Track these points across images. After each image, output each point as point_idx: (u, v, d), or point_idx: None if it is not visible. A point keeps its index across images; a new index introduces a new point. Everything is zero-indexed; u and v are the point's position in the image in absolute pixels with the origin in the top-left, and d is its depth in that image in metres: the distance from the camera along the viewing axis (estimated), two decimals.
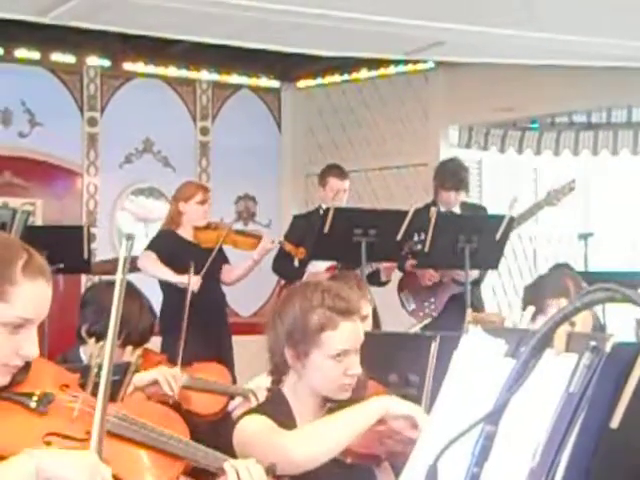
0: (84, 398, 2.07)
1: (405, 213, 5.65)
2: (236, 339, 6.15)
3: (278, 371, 2.64)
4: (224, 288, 6.05)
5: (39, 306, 1.98)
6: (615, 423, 1.23)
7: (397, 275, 6.34)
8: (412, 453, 1.68)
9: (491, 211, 6.51)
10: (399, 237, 5.63)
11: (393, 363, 3.03)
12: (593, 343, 1.28)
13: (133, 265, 5.99)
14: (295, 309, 2.57)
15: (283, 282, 6.69)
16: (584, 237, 6.81)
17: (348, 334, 2.55)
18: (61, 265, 5.42)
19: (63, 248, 5.49)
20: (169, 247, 5.80)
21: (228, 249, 6.02)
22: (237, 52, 7.20)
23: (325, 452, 2.35)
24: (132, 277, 4.40)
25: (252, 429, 2.47)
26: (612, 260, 7.60)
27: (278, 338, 2.58)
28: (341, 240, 5.58)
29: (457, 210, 6.34)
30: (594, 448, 1.23)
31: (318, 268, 6.12)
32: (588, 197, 8.66)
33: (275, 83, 8.91)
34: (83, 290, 7.48)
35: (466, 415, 1.43)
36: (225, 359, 5.40)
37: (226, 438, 2.50)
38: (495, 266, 6.04)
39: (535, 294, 3.50)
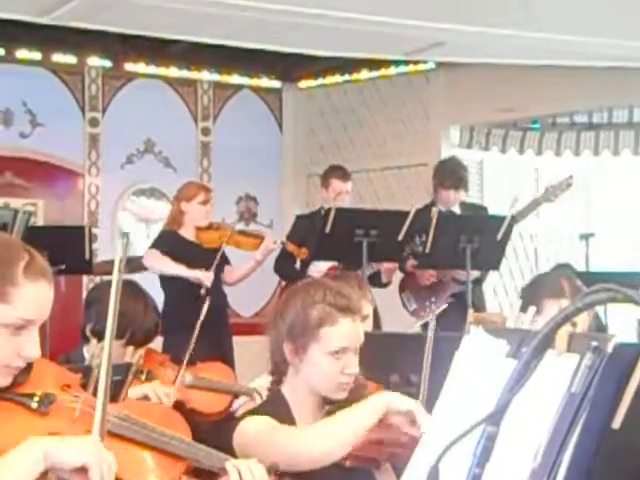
0: (85, 398, 2.07)
1: (406, 213, 5.66)
2: (237, 340, 6.15)
3: (278, 370, 2.64)
4: (225, 288, 6.05)
5: (41, 307, 1.98)
6: (617, 424, 1.23)
7: (398, 276, 6.34)
8: (414, 454, 1.68)
9: (492, 211, 6.51)
10: (400, 237, 5.63)
11: (394, 363, 3.04)
12: (595, 343, 1.28)
13: (137, 265, 6.01)
14: (296, 305, 2.58)
15: (284, 283, 6.69)
16: (585, 237, 6.81)
17: (347, 331, 2.55)
18: (62, 266, 5.42)
19: (64, 249, 5.49)
20: (172, 247, 5.80)
21: (229, 249, 6.02)
22: (238, 52, 7.20)
23: (336, 448, 2.34)
24: (135, 277, 4.41)
25: (254, 429, 2.47)
26: (613, 260, 7.60)
27: (279, 335, 2.59)
28: (342, 240, 5.58)
29: (457, 210, 6.34)
30: (596, 449, 1.23)
31: (319, 269, 6.12)
32: (589, 197, 8.66)
33: (276, 83, 8.91)
34: (85, 291, 7.49)
35: (467, 416, 1.44)
36: (226, 359, 5.39)
37: (230, 437, 2.51)
38: (496, 266, 6.04)
39: (531, 294, 3.50)
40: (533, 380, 1.34)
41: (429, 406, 2.28)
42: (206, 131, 8.60)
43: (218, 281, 5.94)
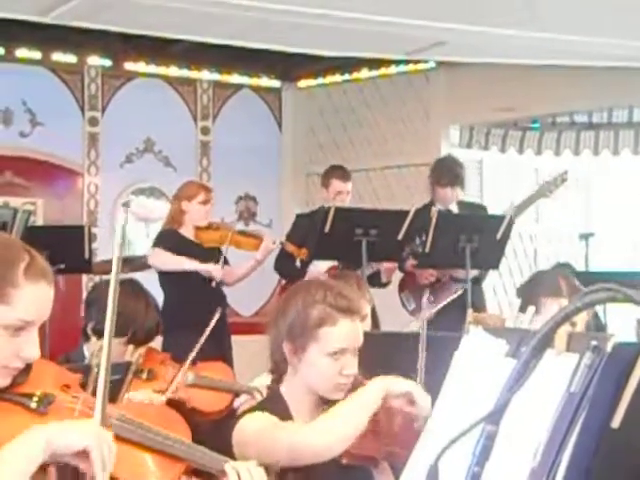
0: (85, 399, 2.07)
1: (406, 213, 5.66)
2: (237, 339, 6.14)
3: (278, 369, 2.64)
4: (225, 288, 6.05)
5: (41, 308, 1.98)
6: (616, 423, 1.23)
7: (398, 276, 6.34)
8: (413, 452, 1.68)
9: (492, 211, 6.51)
10: (400, 237, 5.63)
11: (393, 363, 3.03)
12: (594, 343, 1.28)
13: (139, 265, 6.01)
14: (297, 304, 2.58)
15: (284, 282, 6.69)
16: (585, 237, 6.81)
17: (346, 332, 2.55)
18: (62, 265, 5.41)
19: (64, 248, 5.48)
20: (174, 245, 5.80)
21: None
22: (238, 52, 7.20)
23: (343, 437, 2.34)
24: (136, 276, 4.40)
25: (255, 427, 2.47)
26: (613, 260, 7.60)
27: (279, 334, 2.59)
28: (342, 240, 5.58)
29: (455, 208, 6.34)
30: (595, 448, 1.23)
31: (319, 268, 6.11)
32: (589, 197, 8.66)
33: (276, 83, 8.91)
34: (84, 290, 7.50)
35: (467, 415, 1.44)
36: (224, 359, 5.39)
37: (230, 436, 2.51)
38: (496, 266, 6.04)
39: (529, 293, 3.50)
40: (532, 379, 1.34)
41: None
42: (206, 130, 8.60)
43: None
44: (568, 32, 5.87)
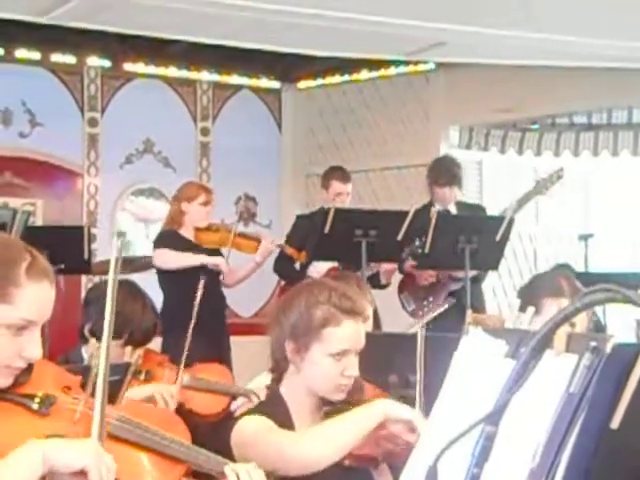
0: (86, 400, 2.07)
1: (405, 214, 5.66)
2: (236, 340, 6.14)
3: (279, 368, 2.64)
4: (224, 289, 6.05)
5: (43, 308, 1.98)
6: (615, 424, 1.23)
7: (397, 277, 6.34)
8: (412, 454, 1.68)
9: (491, 212, 6.51)
10: (400, 237, 5.63)
11: (393, 364, 3.04)
12: (593, 344, 1.28)
13: (139, 265, 6.01)
14: (301, 304, 2.58)
15: (283, 283, 6.69)
16: (584, 238, 6.81)
17: (350, 333, 2.55)
18: (62, 266, 5.41)
19: (63, 248, 5.48)
20: (174, 246, 5.80)
21: (225, 251, 6.02)
22: (237, 53, 7.20)
23: (332, 454, 2.35)
24: (134, 277, 4.41)
25: (252, 429, 2.47)
26: (612, 261, 7.60)
27: (282, 332, 2.58)
28: (342, 240, 5.58)
29: (453, 209, 6.34)
30: (594, 449, 1.23)
31: (319, 269, 6.11)
32: (588, 198, 8.66)
33: (275, 84, 8.91)
34: (84, 290, 7.49)
35: (466, 416, 1.44)
36: (223, 360, 5.40)
37: (228, 438, 2.51)
38: (495, 267, 6.04)
39: (530, 294, 3.50)
40: (532, 380, 1.34)
41: (427, 406, 2.28)
42: (205, 131, 8.60)
43: (217, 282, 5.94)
44: (566, 33, 5.87)
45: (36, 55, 7.79)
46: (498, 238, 5.66)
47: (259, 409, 2.60)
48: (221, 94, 8.70)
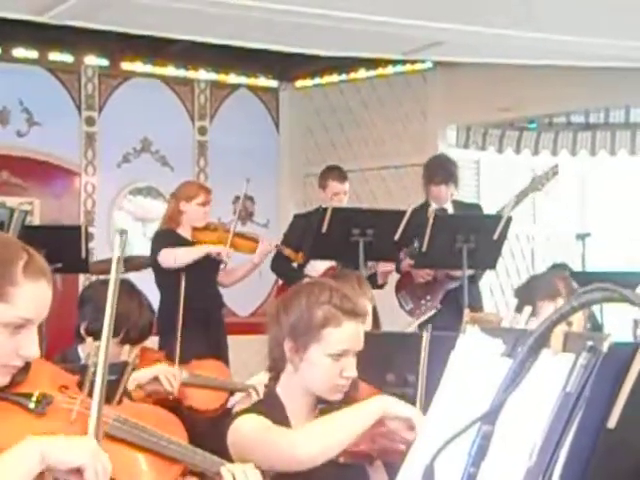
0: (83, 400, 2.07)
1: (403, 213, 5.66)
2: (233, 339, 6.14)
3: (276, 367, 2.64)
4: (221, 288, 6.05)
5: (40, 306, 1.98)
6: (612, 423, 1.23)
7: (394, 277, 6.34)
8: (409, 453, 1.68)
9: (489, 211, 6.51)
10: (397, 237, 5.63)
11: (391, 363, 3.03)
12: (590, 343, 1.28)
13: (137, 264, 6.01)
14: (301, 303, 2.57)
15: (281, 282, 6.69)
16: (582, 237, 6.82)
17: (349, 334, 2.55)
18: (59, 265, 5.41)
19: (61, 247, 5.47)
20: (173, 246, 5.79)
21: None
22: (235, 52, 7.20)
23: (327, 451, 2.35)
24: (130, 276, 4.41)
25: (248, 428, 2.47)
26: (610, 260, 7.61)
27: (280, 331, 2.58)
28: (339, 240, 5.58)
29: (450, 208, 6.35)
30: (591, 448, 1.23)
31: (317, 269, 6.11)
32: (585, 197, 8.67)
33: (273, 83, 8.91)
34: (81, 290, 7.49)
35: (463, 415, 1.43)
36: (221, 359, 5.39)
37: (226, 434, 2.51)
38: (493, 266, 6.04)
39: (527, 295, 3.50)
40: (528, 379, 1.34)
41: (426, 406, 2.28)
42: (203, 130, 8.60)
43: (214, 281, 5.94)
44: (564, 32, 5.87)
45: (33, 54, 7.78)
46: (496, 237, 5.66)
47: (256, 408, 2.60)
48: (218, 93, 8.69)
